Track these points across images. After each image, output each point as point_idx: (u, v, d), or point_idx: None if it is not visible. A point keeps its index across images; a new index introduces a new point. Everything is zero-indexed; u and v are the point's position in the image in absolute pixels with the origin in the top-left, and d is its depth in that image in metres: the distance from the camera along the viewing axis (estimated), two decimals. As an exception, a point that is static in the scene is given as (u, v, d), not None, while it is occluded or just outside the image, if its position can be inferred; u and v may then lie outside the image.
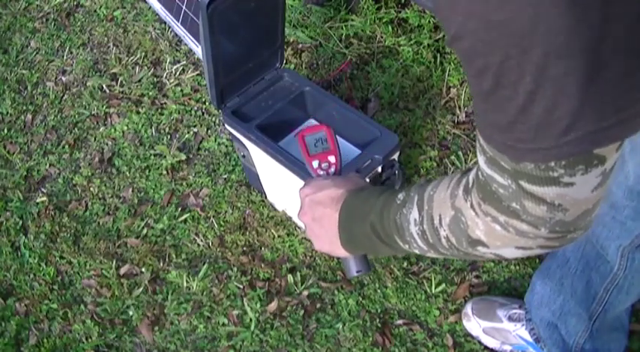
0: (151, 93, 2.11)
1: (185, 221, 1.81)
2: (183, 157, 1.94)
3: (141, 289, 1.70)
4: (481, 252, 0.74)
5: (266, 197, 1.81)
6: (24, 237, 1.82)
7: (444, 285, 1.65)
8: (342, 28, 2.15)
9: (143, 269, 1.73)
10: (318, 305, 1.64)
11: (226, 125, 1.64)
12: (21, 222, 1.86)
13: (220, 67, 1.51)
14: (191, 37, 2.12)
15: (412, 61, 2.06)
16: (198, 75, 2.14)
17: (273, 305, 1.64)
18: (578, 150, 0.59)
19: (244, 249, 1.75)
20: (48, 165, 1.99)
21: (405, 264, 1.69)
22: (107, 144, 2.01)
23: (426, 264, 1.69)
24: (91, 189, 1.91)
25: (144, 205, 1.86)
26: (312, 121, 1.68)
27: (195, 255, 1.75)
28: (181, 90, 2.11)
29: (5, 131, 2.09)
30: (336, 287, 1.67)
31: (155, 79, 2.15)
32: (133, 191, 1.90)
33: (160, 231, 1.80)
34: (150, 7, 2.32)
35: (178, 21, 2.16)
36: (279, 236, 1.75)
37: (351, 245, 0.94)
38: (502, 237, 0.70)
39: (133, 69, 2.19)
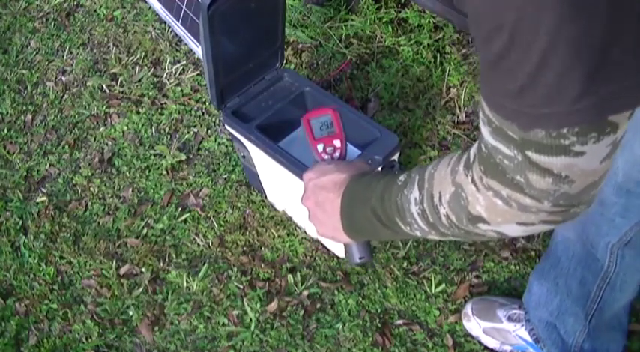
0: (151, 93, 2.11)
1: (185, 221, 1.81)
2: (183, 157, 1.94)
3: (141, 289, 1.70)
4: (482, 229, 0.73)
5: (266, 197, 1.81)
6: (24, 237, 1.82)
7: (444, 285, 1.65)
8: (342, 28, 2.15)
9: (143, 269, 1.73)
10: (318, 305, 1.65)
11: (226, 125, 1.64)
12: (21, 222, 1.86)
13: (220, 67, 1.51)
14: (191, 37, 2.12)
15: (412, 61, 2.06)
16: (198, 75, 2.14)
17: (273, 305, 1.64)
18: (593, 116, 0.58)
19: (244, 249, 1.75)
20: (48, 165, 1.99)
21: (405, 264, 1.69)
22: (107, 144, 2.01)
23: (426, 264, 1.69)
24: (91, 189, 1.91)
25: (144, 205, 1.86)
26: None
27: (195, 255, 1.75)
28: (181, 90, 2.11)
29: (5, 131, 2.09)
30: (336, 287, 1.67)
31: (155, 79, 2.16)
32: (133, 191, 1.90)
33: (159, 231, 1.80)
34: (150, 7, 2.32)
35: (178, 21, 2.16)
36: (279, 236, 1.76)
37: (353, 230, 0.94)
38: (503, 213, 0.69)
39: (133, 69, 2.20)
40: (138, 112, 2.07)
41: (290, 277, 1.68)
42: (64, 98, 2.16)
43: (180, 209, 1.84)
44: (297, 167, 1.47)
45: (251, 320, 1.62)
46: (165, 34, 2.27)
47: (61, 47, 2.31)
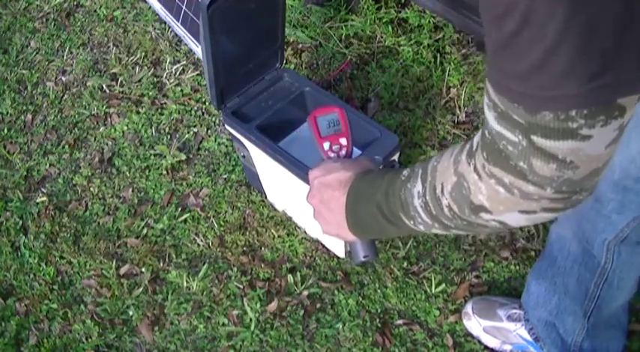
0: (151, 93, 2.11)
1: (185, 221, 1.81)
2: (183, 157, 1.94)
3: (141, 289, 1.70)
4: (484, 219, 0.73)
5: (266, 197, 1.81)
6: (24, 237, 1.82)
7: (444, 285, 1.65)
8: (342, 28, 2.15)
9: (143, 269, 1.73)
10: (318, 305, 1.65)
11: (226, 125, 1.64)
12: (21, 222, 1.86)
13: (220, 67, 1.52)
14: (191, 37, 2.12)
15: (412, 61, 2.06)
16: (198, 75, 2.14)
17: (273, 305, 1.64)
18: (603, 99, 0.57)
19: (244, 249, 1.75)
20: (48, 165, 1.99)
21: (405, 264, 1.69)
22: (107, 144, 2.01)
23: (426, 263, 1.69)
24: (91, 189, 1.91)
25: (144, 205, 1.86)
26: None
27: (195, 255, 1.75)
28: (181, 90, 2.11)
29: (5, 131, 2.09)
30: (336, 287, 1.67)
31: (155, 79, 2.16)
32: (133, 191, 1.90)
33: (160, 231, 1.80)
34: (150, 7, 2.32)
35: (178, 21, 2.16)
36: (279, 236, 1.76)
37: (357, 227, 0.94)
38: (505, 201, 0.69)
39: (133, 69, 2.20)
40: (138, 112, 2.07)
41: (290, 277, 1.68)
42: (64, 98, 2.16)
43: (180, 209, 1.84)
44: (297, 167, 1.47)
45: (251, 320, 1.62)
46: (165, 34, 2.27)
47: (61, 47, 2.31)
